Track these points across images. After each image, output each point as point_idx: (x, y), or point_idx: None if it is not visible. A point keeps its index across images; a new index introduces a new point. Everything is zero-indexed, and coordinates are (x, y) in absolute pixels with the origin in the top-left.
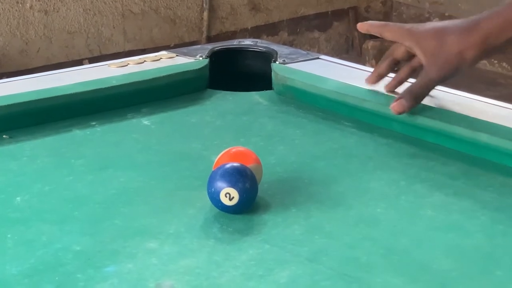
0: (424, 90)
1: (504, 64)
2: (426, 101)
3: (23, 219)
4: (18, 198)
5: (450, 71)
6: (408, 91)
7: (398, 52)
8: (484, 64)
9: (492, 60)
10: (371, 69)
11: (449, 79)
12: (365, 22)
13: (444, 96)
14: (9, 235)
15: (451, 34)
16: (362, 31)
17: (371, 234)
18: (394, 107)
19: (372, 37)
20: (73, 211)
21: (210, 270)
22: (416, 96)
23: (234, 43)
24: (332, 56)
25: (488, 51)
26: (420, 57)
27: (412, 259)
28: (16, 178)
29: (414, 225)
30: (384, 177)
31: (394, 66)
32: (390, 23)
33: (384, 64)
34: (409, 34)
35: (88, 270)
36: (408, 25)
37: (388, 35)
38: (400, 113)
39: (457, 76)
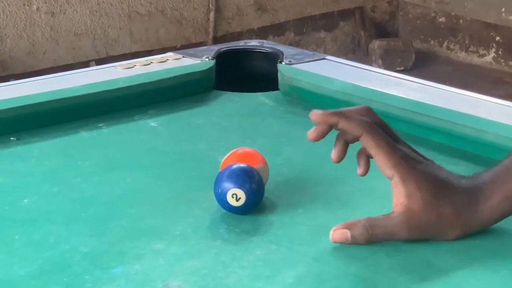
0: (384, 239)
1: (510, 63)
2: (432, 101)
3: (30, 220)
4: (26, 200)
5: (425, 235)
6: (366, 227)
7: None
8: (490, 63)
9: (499, 58)
10: (378, 69)
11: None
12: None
13: (450, 95)
14: (17, 236)
15: (448, 203)
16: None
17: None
18: (335, 236)
19: (378, 36)
20: (80, 212)
21: (217, 271)
22: (371, 240)
23: (240, 44)
24: (339, 56)
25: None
26: (399, 197)
27: (418, 258)
28: (24, 180)
29: None
30: None
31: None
32: (375, 127)
33: (338, 150)
34: (396, 163)
35: (96, 271)
36: (397, 149)
37: (367, 145)
38: (336, 242)
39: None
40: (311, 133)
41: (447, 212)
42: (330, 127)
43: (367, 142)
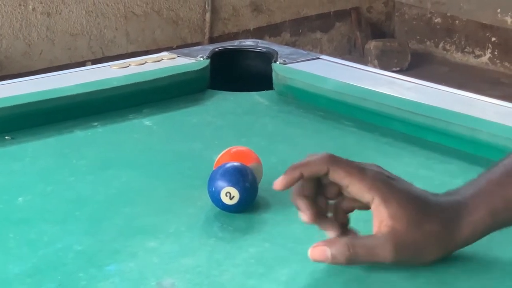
0: (366, 259)
1: (506, 63)
2: (426, 100)
3: (25, 219)
4: (20, 199)
5: (410, 256)
6: (347, 245)
7: (331, 191)
8: (486, 63)
9: (495, 59)
10: (372, 69)
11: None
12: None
13: (444, 95)
14: (11, 235)
15: (432, 220)
16: (282, 187)
17: (370, 231)
18: (314, 253)
19: (374, 37)
20: (74, 211)
21: (211, 269)
22: (352, 259)
23: (235, 43)
24: (335, 56)
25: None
26: (382, 219)
27: None
28: (18, 179)
29: None
30: None
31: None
32: (339, 159)
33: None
34: (372, 185)
35: (90, 269)
36: (368, 171)
37: (337, 177)
38: (315, 261)
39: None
40: (278, 182)
41: (433, 229)
42: (298, 179)
43: (336, 175)
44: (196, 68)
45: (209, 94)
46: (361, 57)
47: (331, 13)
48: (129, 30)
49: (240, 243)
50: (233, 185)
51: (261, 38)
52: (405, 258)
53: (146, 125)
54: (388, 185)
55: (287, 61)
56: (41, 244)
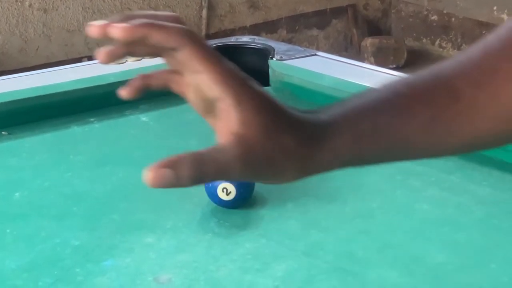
0: (214, 178)
1: None
2: None
3: (22, 215)
4: (17, 194)
5: (261, 172)
6: (193, 163)
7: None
8: None
9: None
10: (369, 66)
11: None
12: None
13: None
14: (8, 230)
15: (290, 134)
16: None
17: (367, 228)
18: (154, 176)
19: (370, 34)
20: (71, 206)
21: (208, 264)
22: (199, 180)
23: (232, 40)
24: (331, 53)
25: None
26: (230, 124)
27: (407, 253)
28: (15, 174)
29: (409, 219)
30: (380, 172)
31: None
32: (196, 35)
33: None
34: (228, 80)
35: (87, 264)
36: (226, 62)
37: (190, 57)
38: (156, 186)
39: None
40: (104, 53)
41: (289, 144)
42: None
43: (190, 55)
44: None
45: None
46: (357, 54)
47: (328, 10)
48: None
49: (236, 239)
50: (230, 180)
51: (257, 35)
52: (255, 174)
53: (143, 121)
54: (245, 86)
55: (283, 57)
56: (38, 240)
